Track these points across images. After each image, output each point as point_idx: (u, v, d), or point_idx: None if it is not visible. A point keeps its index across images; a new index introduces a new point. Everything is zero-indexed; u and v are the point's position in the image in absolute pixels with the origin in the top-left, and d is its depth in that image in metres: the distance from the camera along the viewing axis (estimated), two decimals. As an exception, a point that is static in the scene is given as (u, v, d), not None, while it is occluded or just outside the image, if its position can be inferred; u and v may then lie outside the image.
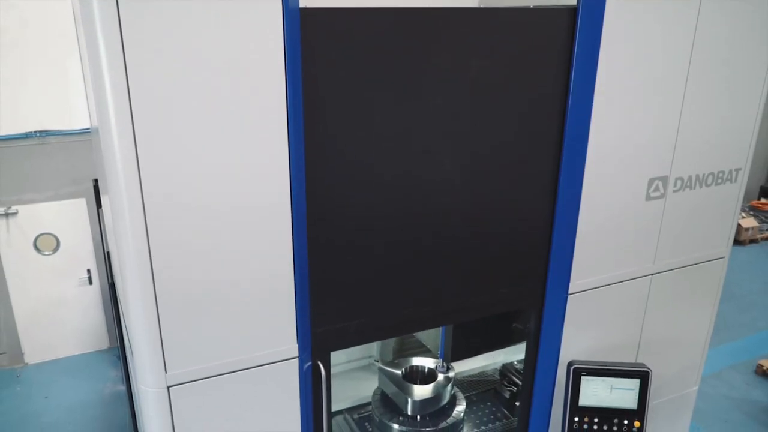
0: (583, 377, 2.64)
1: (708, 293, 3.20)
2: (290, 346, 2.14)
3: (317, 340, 2.22)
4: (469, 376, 3.53)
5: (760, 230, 7.89)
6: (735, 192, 3.03)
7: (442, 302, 2.47)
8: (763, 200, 8.48)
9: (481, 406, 3.29)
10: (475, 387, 3.42)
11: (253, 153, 1.88)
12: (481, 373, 3.57)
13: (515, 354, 3.38)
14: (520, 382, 3.17)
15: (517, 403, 3.14)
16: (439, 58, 2.10)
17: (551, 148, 2.45)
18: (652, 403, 2.90)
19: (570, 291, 2.68)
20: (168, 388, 1.98)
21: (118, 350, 4.62)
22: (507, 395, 3.26)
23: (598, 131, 2.47)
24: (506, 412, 3.23)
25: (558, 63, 2.33)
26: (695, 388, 3.44)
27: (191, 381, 2.01)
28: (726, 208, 3.04)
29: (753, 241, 7.82)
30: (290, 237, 2.02)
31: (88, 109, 3.69)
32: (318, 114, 1.96)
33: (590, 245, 2.65)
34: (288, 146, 1.92)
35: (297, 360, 2.18)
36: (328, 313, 2.22)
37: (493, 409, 3.25)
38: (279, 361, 2.14)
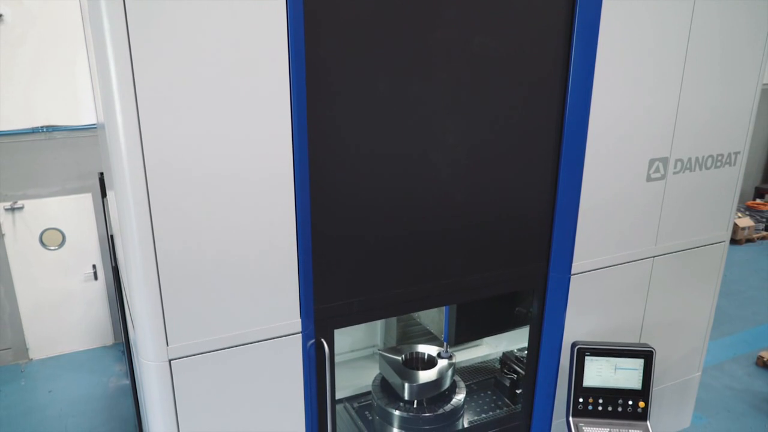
0: (587, 357, 2.57)
1: (709, 277, 3.14)
2: (293, 321, 2.09)
3: (321, 317, 2.16)
4: (470, 365, 3.46)
5: (756, 230, 7.84)
6: (734, 175, 2.99)
7: (446, 282, 2.41)
8: (758, 201, 8.43)
9: (482, 394, 3.21)
10: (475, 375, 3.35)
11: (256, 129, 1.83)
12: (482, 362, 3.50)
13: (516, 343, 3.32)
14: (521, 370, 3.10)
15: (518, 391, 3.07)
16: (442, 32, 2.07)
17: (552, 128, 2.41)
18: (655, 388, 2.83)
19: (573, 272, 2.63)
20: (170, 361, 1.92)
21: (123, 345, 4.55)
22: (507, 383, 3.18)
23: (599, 111, 2.43)
24: (507, 400, 3.15)
25: (558, 45, 2.30)
26: (698, 374, 3.36)
27: (193, 354, 1.95)
28: (725, 192, 2.99)
29: (749, 240, 7.76)
30: (293, 211, 1.97)
31: (95, 105, 3.67)
32: (321, 89, 1.93)
33: (592, 225, 2.60)
34: (291, 124, 1.88)
35: (300, 335, 2.11)
36: (332, 290, 2.17)
37: (494, 397, 3.18)
38: (282, 336, 2.08)
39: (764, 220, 8.03)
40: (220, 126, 1.79)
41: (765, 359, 4.54)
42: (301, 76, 1.86)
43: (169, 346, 1.90)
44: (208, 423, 2.05)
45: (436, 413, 2.85)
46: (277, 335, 2.07)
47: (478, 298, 2.63)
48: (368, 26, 1.96)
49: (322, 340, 2.19)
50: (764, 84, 3.02)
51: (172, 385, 1.95)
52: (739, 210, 7.95)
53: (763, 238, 7.89)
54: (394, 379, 2.91)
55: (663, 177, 2.74)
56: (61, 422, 3.90)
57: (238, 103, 1.79)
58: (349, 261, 2.18)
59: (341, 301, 2.21)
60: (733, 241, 7.53)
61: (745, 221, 7.76)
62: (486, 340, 3.72)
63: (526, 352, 2.88)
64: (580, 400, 2.60)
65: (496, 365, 3.38)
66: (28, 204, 4.29)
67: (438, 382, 2.90)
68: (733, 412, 3.96)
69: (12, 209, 4.26)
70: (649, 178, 2.70)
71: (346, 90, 1.99)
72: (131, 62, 1.62)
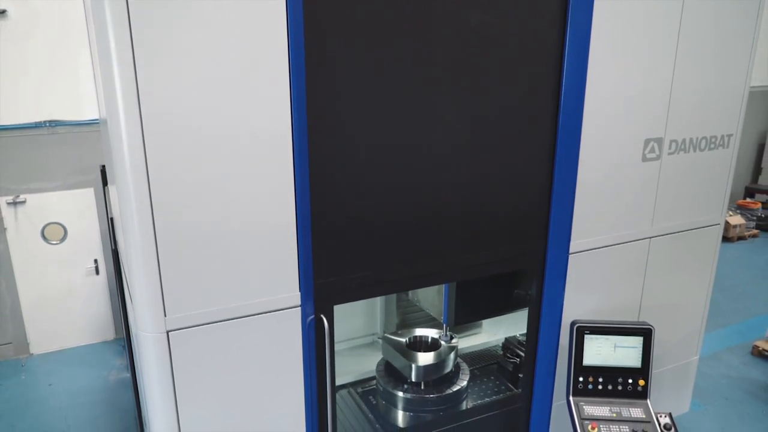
0: (586, 335, 2.52)
1: (704, 260, 3.09)
2: (293, 294, 2.02)
3: (320, 292, 2.10)
4: (472, 352, 3.39)
5: (747, 228, 7.81)
6: (728, 158, 2.95)
7: (445, 259, 2.36)
8: (748, 200, 8.42)
9: (485, 379, 3.15)
10: (478, 361, 3.28)
11: (255, 106, 1.78)
12: (484, 349, 3.44)
13: (515, 330, 3.26)
14: (522, 353, 3.03)
15: (521, 375, 3.00)
16: (438, 9, 2.04)
17: (549, 107, 2.37)
18: (655, 371, 2.77)
19: (571, 251, 2.58)
20: (167, 332, 1.85)
21: (124, 340, 4.47)
22: (510, 368, 3.12)
23: (594, 90, 2.40)
24: (510, 385, 3.09)
25: (553, 26, 2.26)
26: (696, 357, 3.30)
27: (192, 326, 1.89)
28: (720, 174, 2.96)
29: (741, 238, 7.73)
30: (292, 184, 1.92)
31: (97, 101, 3.63)
32: (320, 60, 1.88)
33: (589, 204, 2.56)
34: (290, 99, 1.84)
35: (300, 309, 2.05)
36: (331, 265, 2.11)
37: (497, 382, 3.11)
38: (281, 310, 2.02)
39: (754, 218, 8.01)
40: (219, 96, 1.74)
41: (760, 348, 4.48)
42: (299, 45, 1.82)
43: (167, 317, 1.84)
44: (207, 397, 1.98)
45: (440, 395, 2.79)
46: (276, 308, 2.01)
47: (477, 276, 2.57)
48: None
49: (322, 316, 2.13)
50: (751, 87, 3.00)
51: (170, 357, 1.88)
52: (730, 209, 7.93)
53: (754, 235, 7.86)
54: (399, 361, 2.86)
55: (658, 157, 2.70)
56: (60, 414, 3.81)
57: (237, 74, 1.75)
58: (348, 237, 2.13)
59: (340, 277, 2.15)
60: (725, 239, 7.49)
61: (737, 219, 7.74)
62: (486, 327, 3.66)
63: (526, 335, 2.83)
64: (580, 379, 2.54)
65: (498, 351, 3.32)
66: (31, 198, 4.23)
67: (443, 363, 2.84)
68: (731, 400, 3.90)
69: (14, 203, 4.20)
70: (644, 158, 2.66)
71: (346, 63, 1.94)
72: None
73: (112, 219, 3.06)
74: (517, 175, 2.42)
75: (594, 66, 2.36)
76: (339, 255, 2.13)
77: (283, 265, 1.98)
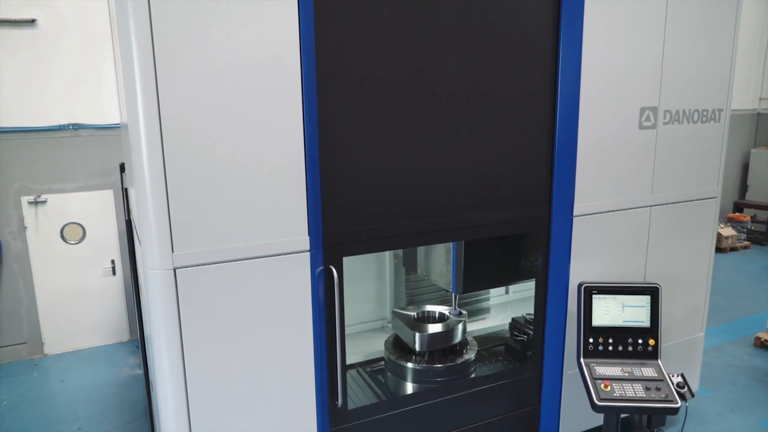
0: (594, 296, 2.38)
1: (704, 232, 2.97)
2: (301, 238, 1.92)
3: (329, 242, 2.00)
4: (480, 335, 3.22)
5: (739, 239, 7.64)
6: (720, 131, 2.88)
7: (452, 218, 2.27)
8: (738, 213, 8.29)
9: (493, 360, 2.97)
10: (485, 343, 3.11)
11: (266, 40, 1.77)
12: (491, 332, 3.28)
13: (524, 312, 3.11)
14: (530, 332, 2.87)
15: (529, 353, 2.83)
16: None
17: (548, 72, 2.34)
18: (662, 345, 2.60)
19: (575, 213, 2.48)
20: (174, 270, 1.75)
21: (138, 341, 4.29)
22: (518, 347, 2.95)
23: (590, 56, 2.36)
24: (518, 365, 2.90)
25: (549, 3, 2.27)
26: (701, 333, 3.12)
27: (199, 264, 1.78)
28: (713, 147, 2.88)
29: (733, 249, 7.55)
30: (301, 122, 1.86)
31: (119, 105, 3.63)
32: (326, 14, 1.86)
33: (590, 168, 2.48)
34: (300, 56, 1.82)
35: (308, 255, 1.95)
36: (340, 216, 2.02)
37: (505, 362, 2.93)
38: (290, 253, 1.91)
39: (745, 230, 7.86)
40: (230, 42, 1.71)
41: (762, 339, 4.26)
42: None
43: (175, 253, 1.74)
44: (214, 338, 1.84)
45: (448, 365, 2.63)
46: (285, 252, 1.90)
47: (485, 236, 2.46)
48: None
49: (331, 267, 2.01)
50: (734, 110, 2.98)
51: (176, 296, 1.76)
52: (721, 222, 7.80)
53: (745, 247, 7.69)
54: (407, 333, 2.71)
55: (654, 126, 2.64)
56: (70, 407, 3.61)
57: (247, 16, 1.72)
58: (356, 189, 2.05)
59: (349, 228, 2.06)
60: (719, 250, 7.34)
61: (728, 231, 7.58)
62: (492, 312, 3.51)
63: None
64: (590, 340, 2.38)
65: (505, 333, 3.16)
66: (51, 198, 4.18)
67: (448, 333, 2.69)
68: (739, 385, 3.67)
69: (35, 203, 4.14)
70: (641, 126, 2.60)
71: (351, 18, 1.93)
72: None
73: (126, 190, 2.99)
74: (521, 138, 2.35)
75: (589, 36, 2.34)
76: (348, 207, 2.04)
77: (291, 206, 1.89)
